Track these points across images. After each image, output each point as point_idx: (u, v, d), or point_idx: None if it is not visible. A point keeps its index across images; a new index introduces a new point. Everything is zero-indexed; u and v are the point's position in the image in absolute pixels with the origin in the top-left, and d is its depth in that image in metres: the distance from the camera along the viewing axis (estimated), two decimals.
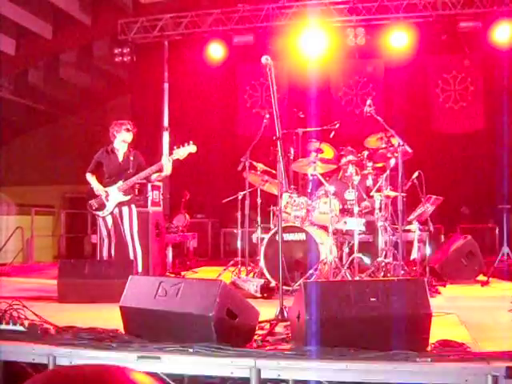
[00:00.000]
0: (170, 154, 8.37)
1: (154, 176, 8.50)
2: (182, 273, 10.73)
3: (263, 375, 4.22)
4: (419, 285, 4.64)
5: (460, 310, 6.47)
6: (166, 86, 14.81)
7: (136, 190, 9.59)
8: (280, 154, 5.86)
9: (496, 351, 4.31)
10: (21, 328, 5.17)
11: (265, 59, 5.97)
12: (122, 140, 8.51)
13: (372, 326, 4.41)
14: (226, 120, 15.14)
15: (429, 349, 4.47)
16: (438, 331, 4.93)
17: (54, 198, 19.46)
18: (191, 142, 8.31)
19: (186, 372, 4.41)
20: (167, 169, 8.33)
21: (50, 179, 19.91)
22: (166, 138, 14.52)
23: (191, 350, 4.37)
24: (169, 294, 4.70)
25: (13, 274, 11.93)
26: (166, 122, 14.69)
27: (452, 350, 4.43)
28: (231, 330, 4.59)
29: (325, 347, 4.29)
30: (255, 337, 4.92)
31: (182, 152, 8.31)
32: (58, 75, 17.86)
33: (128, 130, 8.51)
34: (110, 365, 0.86)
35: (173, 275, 9.95)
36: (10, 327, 5.19)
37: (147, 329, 4.78)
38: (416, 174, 8.82)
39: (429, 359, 4.18)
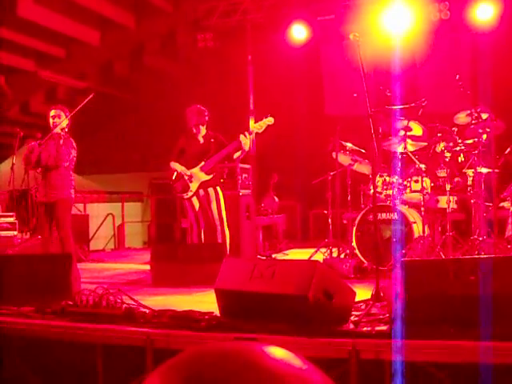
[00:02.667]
0: (248, 130, 8.38)
1: (236, 154, 8.48)
2: (273, 255, 10.74)
3: (361, 356, 4.18)
4: None
5: None
6: (251, 69, 14.80)
7: (224, 174, 9.65)
8: (372, 131, 5.78)
9: None
10: (118, 312, 5.26)
11: (352, 35, 5.89)
12: (195, 124, 8.56)
13: (471, 304, 4.30)
14: (313, 101, 15.04)
15: None
16: None
17: (143, 184, 19.70)
18: (268, 115, 8.30)
19: None
20: (246, 144, 8.32)
21: (138, 166, 20.22)
22: (251, 121, 14.53)
23: (288, 331, 4.36)
24: (264, 275, 4.69)
25: (106, 259, 12.18)
26: (251, 106, 14.68)
27: None
28: (328, 310, 4.55)
29: (424, 327, 4.22)
30: (351, 317, 4.87)
31: (260, 125, 8.31)
32: (143, 64, 18.07)
33: (201, 112, 8.56)
34: (245, 341, 0.83)
35: (263, 257, 9.95)
36: (108, 311, 5.28)
37: (243, 311, 4.79)
38: (509, 149, 8.60)
39: None
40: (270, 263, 4.82)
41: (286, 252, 11.47)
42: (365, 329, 4.58)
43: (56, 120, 7.99)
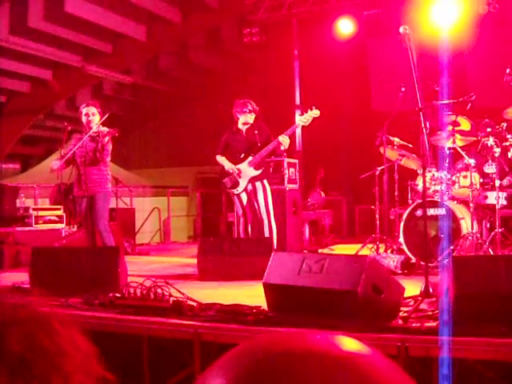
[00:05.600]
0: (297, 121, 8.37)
1: (284, 141, 8.43)
2: (319, 250, 10.71)
3: (410, 353, 4.14)
4: None
5: None
6: (297, 63, 14.75)
7: (271, 169, 9.65)
8: (423, 125, 5.74)
9: None
10: (165, 305, 5.29)
11: (403, 29, 5.85)
12: (243, 122, 8.59)
13: None
14: (360, 95, 14.96)
15: None
16: None
17: (188, 179, 19.83)
18: (313, 107, 8.28)
19: None
20: (285, 144, 8.32)
21: (183, 161, 20.33)
22: (298, 116, 14.50)
23: (334, 326, 4.34)
24: (313, 269, 4.68)
25: (151, 253, 12.28)
26: (297, 100, 14.64)
27: None
28: (377, 305, 4.53)
29: (474, 324, 4.17)
30: (400, 313, 4.83)
31: (306, 118, 8.30)
32: (189, 59, 18.15)
33: (250, 111, 8.56)
34: (310, 331, 0.82)
35: (309, 252, 9.94)
36: (156, 304, 5.32)
37: (291, 305, 4.79)
38: None
39: None
40: (318, 257, 4.80)
41: (332, 247, 11.43)
42: (414, 325, 4.54)
43: (90, 117, 8.12)
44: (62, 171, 8.32)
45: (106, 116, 8.20)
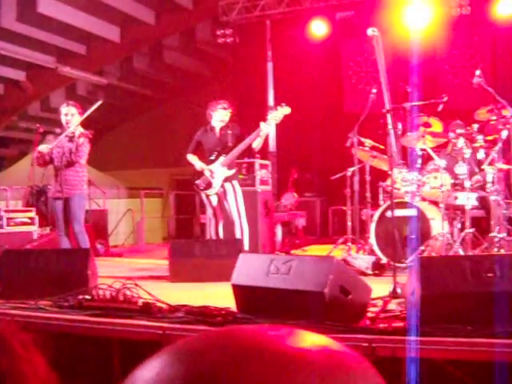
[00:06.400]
0: (265, 121, 8.35)
1: (255, 144, 8.43)
2: (292, 251, 10.73)
3: (378, 353, 4.16)
4: None
5: None
6: (270, 65, 14.80)
7: (244, 170, 9.66)
8: (390, 127, 5.77)
9: None
10: (134, 306, 5.29)
11: (371, 31, 5.89)
12: (219, 119, 8.56)
13: (488, 302, 4.27)
14: (332, 97, 14.96)
15: None
16: None
17: (162, 180, 19.82)
18: (284, 104, 8.29)
19: None
20: (264, 132, 8.32)
21: (158, 162, 20.29)
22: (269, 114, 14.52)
23: (303, 327, 4.35)
24: (281, 271, 4.69)
25: (125, 254, 12.25)
26: (271, 102, 14.67)
27: None
28: (344, 306, 4.55)
29: (441, 324, 4.19)
30: (368, 314, 4.86)
31: (276, 115, 8.31)
32: (162, 60, 18.15)
33: (224, 108, 8.55)
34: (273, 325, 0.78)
35: (282, 254, 9.94)
36: (124, 305, 5.30)
37: (260, 306, 4.79)
38: None
39: None
40: (286, 259, 4.81)
41: (305, 248, 11.46)
42: (381, 325, 4.56)
43: (69, 117, 8.07)
44: (44, 166, 8.30)
45: (93, 108, 8.18)
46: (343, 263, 5.09)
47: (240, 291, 4.94)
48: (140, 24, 16.03)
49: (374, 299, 5.31)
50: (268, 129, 8.42)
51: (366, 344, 4.15)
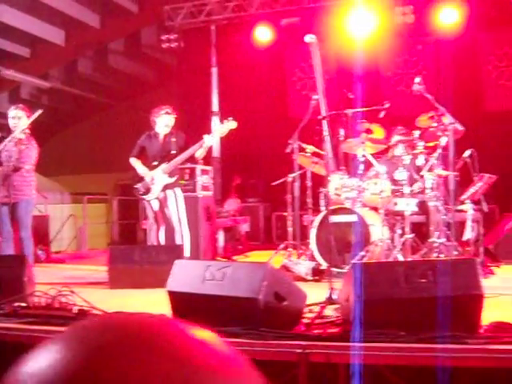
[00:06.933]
0: (209, 133, 8.34)
1: (198, 153, 8.41)
2: (234, 257, 10.70)
3: (311, 359, 4.15)
4: (470, 265, 4.52)
5: None
6: (215, 70, 14.78)
7: (186, 175, 9.61)
8: (326, 133, 5.79)
9: None
10: (69, 314, 5.21)
11: (309, 38, 5.89)
12: (163, 124, 8.50)
13: (422, 307, 4.32)
14: (277, 103, 15.00)
15: (481, 331, 4.36)
16: (492, 313, 4.81)
17: (107, 185, 19.63)
18: (231, 118, 8.29)
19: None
20: (207, 145, 8.31)
21: (103, 167, 20.10)
22: (215, 122, 14.51)
23: (239, 334, 4.34)
24: (216, 277, 4.66)
25: (67, 261, 12.09)
26: (214, 107, 14.66)
27: (506, 332, 4.31)
28: (279, 313, 4.54)
29: (374, 330, 4.21)
30: (303, 320, 4.86)
31: (221, 129, 8.31)
32: (107, 64, 17.99)
33: (168, 113, 8.50)
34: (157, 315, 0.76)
35: (224, 260, 9.92)
36: (59, 313, 5.23)
37: (194, 313, 4.74)
38: (468, 152, 8.65)
39: (481, 342, 4.08)
40: (221, 265, 4.79)
41: (248, 254, 11.44)
42: (316, 331, 4.56)
43: (15, 121, 7.95)
44: None
45: (33, 118, 8.05)
46: (278, 269, 5.07)
47: (175, 298, 4.90)
48: (85, 27, 15.88)
49: (310, 305, 5.31)
50: (212, 141, 8.41)
51: (299, 350, 4.14)
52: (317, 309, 5.31)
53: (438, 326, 4.17)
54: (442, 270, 4.44)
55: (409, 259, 7.57)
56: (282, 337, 4.30)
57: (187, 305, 4.82)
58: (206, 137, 8.25)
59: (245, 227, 12.88)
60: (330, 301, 5.46)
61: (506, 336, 4.18)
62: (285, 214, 9.45)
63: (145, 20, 16.42)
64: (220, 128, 8.34)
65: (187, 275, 4.89)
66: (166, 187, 8.38)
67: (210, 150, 9.34)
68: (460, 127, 8.12)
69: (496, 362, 3.96)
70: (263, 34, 14.21)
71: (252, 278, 4.49)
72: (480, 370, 4.01)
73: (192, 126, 12.07)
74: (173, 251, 7.57)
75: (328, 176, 5.95)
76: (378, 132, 9.54)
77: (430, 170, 8.43)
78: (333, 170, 7.93)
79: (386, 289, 4.33)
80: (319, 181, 9.17)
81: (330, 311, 5.26)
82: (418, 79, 8.40)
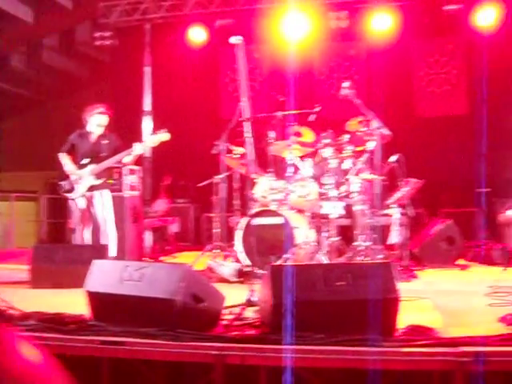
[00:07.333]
0: (144, 140, 8.29)
1: (126, 160, 8.34)
2: (161, 258, 10.66)
3: (228, 361, 4.15)
4: (386, 268, 4.57)
5: (436, 295, 6.43)
6: (148, 69, 14.69)
7: (116, 175, 9.52)
8: (248, 135, 5.81)
9: (466, 336, 4.24)
10: None
11: (235, 39, 5.90)
12: (96, 124, 8.39)
13: (340, 310, 4.36)
14: (209, 104, 14.95)
15: (397, 334, 4.41)
16: (410, 316, 4.89)
17: (37, 183, 19.34)
18: (164, 130, 8.25)
19: (150, 357, 4.34)
20: (137, 153, 8.24)
21: (34, 165, 19.78)
22: (146, 122, 14.42)
23: (155, 335, 4.31)
24: (134, 278, 4.63)
25: None
26: (147, 106, 14.57)
27: (421, 335, 4.37)
28: (197, 314, 4.52)
29: (292, 332, 4.22)
30: (222, 322, 4.85)
31: (154, 139, 8.26)
32: (41, 60, 17.70)
33: (102, 112, 8.39)
34: None
35: (150, 260, 9.85)
36: None
37: (113, 313, 4.71)
38: (395, 157, 8.77)
39: (396, 344, 4.13)
40: (140, 266, 4.75)
41: (176, 255, 11.39)
42: (234, 333, 4.56)
43: None
44: None
45: None
46: (196, 271, 5.06)
47: (93, 298, 4.84)
48: (17, 22, 15.57)
49: (230, 307, 5.32)
50: (142, 150, 8.32)
51: (215, 352, 4.13)
52: (237, 310, 5.32)
53: (355, 329, 4.22)
54: (360, 274, 4.49)
55: (327, 262, 7.64)
56: (198, 338, 4.28)
57: (105, 305, 4.77)
58: (136, 145, 8.18)
59: (174, 228, 12.82)
60: (249, 303, 5.47)
61: (421, 339, 4.24)
62: (211, 214, 9.44)
63: (79, 16, 16.21)
64: (151, 138, 8.28)
65: (105, 275, 4.84)
66: (91, 188, 8.28)
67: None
68: (387, 132, 8.23)
69: (411, 364, 4.02)
70: (197, 35, 14.19)
71: (169, 279, 4.47)
72: (396, 373, 4.06)
73: (124, 125, 11.97)
74: (97, 251, 7.46)
75: (249, 178, 5.96)
76: (308, 135, 9.59)
77: (357, 173, 8.52)
78: (254, 171, 7.94)
79: (303, 291, 4.34)
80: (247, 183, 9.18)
81: (251, 313, 5.26)
82: (346, 84, 8.50)
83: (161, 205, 12.72)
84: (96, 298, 4.84)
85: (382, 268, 4.61)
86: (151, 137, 8.30)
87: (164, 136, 8.25)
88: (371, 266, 5.06)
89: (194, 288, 4.52)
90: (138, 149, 8.20)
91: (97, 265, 4.99)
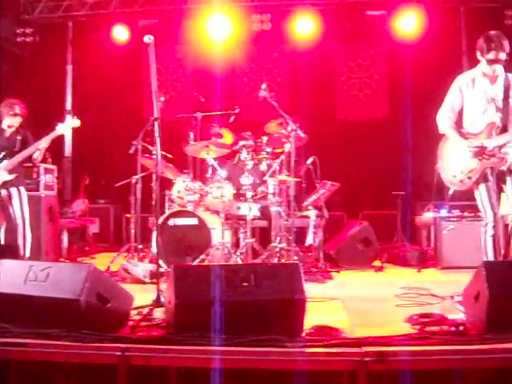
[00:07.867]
0: (53, 130, 8.14)
1: (35, 155, 8.20)
2: (79, 259, 10.55)
3: (132, 362, 4.15)
4: (294, 269, 4.63)
5: (347, 296, 6.54)
6: (70, 67, 14.51)
7: (34, 174, 9.39)
8: (157, 134, 5.84)
9: (370, 336, 4.34)
10: None
11: (147, 38, 5.92)
12: (7, 124, 8.24)
13: (245, 310, 4.40)
14: (132, 103, 14.76)
15: (303, 334, 4.48)
16: (319, 317, 4.97)
17: None
18: (75, 117, 8.17)
19: (53, 359, 4.30)
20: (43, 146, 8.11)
21: None
22: (68, 121, 14.21)
23: (59, 336, 4.28)
24: (39, 278, 4.59)
25: None
26: (68, 105, 14.40)
27: (326, 336, 4.44)
28: (103, 315, 4.52)
29: (196, 332, 4.25)
30: (130, 322, 4.85)
31: (64, 127, 8.14)
32: None
33: (14, 115, 8.22)
34: None
35: (67, 261, 9.74)
36: None
37: (18, 315, 4.65)
38: (311, 159, 8.87)
39: (300, 345, 4.19)
40: (45, 266, 4.70)
41: (94, 256, 11.27)
42: (139, 334, 4.57)
43: None
44: None
45: None
46: (101, 271, 5.03)
47: None
48: None
49: (139, 308, 5.32)
50: (46, 143, 8.16)
51: (119, 353, 4.13)
52: (145, 311, 5.32)
53: (260, 330, 4.27)
54: (265, 274, 4.53)
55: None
56: (102, 339, 4.28)
57: (9, 306, 4.71)
58: (45, 138, 8.06)
59: (93, 228, 12.67)
60: (158, 303, 5.48)
61: (325, 339, 4.31)
62: (127, 215, 9.39)
63: (0, 12, 15.88)
64: (60, 127, 8.15)
65: (10, 276, 4.77)
66: (5, 184, 8.13)
67: (61, 148, 9.16)
68: (302, 134, 8.31)
69: (316, 364, 4.09)
70: (121, 34, 14.05)
71: (74, 279, 4.44)
72: (301, 373, 4.11)
73: (45, 124, 11.79)
74: (9, 252, 7.34)
75: (157, 179, 5.98)
76: (228, 136, 9.64)
77: (273, 175, 8.59)
78: (161, 171, 7.94)
79: (206, 292, 4.37)
80: (166, 183, 9.16)
81: (159, 314, 5.27)
82: (264, 85, 8.58)
83: (80, 205, 12.53)
84: (0, 299, 4.78)
85: (289, 269, 4.67)
86: (61, 125, 8.17)
87: (74, 123, 8.17)
88: (278, 266, 5.11)
89: (100, 288, 4.51)
90: (43, 142, 8.05)
91: (3, 265, 4.92)
